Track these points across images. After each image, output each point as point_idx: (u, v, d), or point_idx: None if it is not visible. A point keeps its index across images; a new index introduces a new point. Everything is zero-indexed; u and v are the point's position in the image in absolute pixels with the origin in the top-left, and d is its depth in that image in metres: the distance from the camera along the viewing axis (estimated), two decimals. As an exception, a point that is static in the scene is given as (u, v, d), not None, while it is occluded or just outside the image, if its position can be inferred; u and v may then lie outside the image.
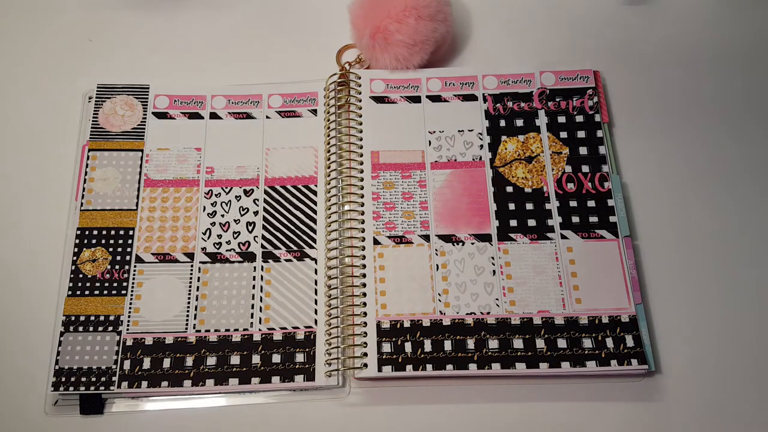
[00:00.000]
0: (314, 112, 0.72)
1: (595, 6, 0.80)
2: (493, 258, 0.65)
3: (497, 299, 0.64)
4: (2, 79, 0.76)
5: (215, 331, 0.63)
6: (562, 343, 0.62)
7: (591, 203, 0.67)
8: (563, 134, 0.70)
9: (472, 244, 0.66)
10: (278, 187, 0.69)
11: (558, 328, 0.62)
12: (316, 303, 0.65)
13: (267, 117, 0.72)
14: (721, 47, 0.77)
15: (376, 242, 0.66)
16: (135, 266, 0.65)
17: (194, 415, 0.61)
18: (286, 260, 0.66)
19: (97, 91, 0.73)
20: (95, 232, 0.66)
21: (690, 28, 0.78)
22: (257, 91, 0.73)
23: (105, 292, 0.64)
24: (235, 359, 0.62)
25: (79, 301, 0.64)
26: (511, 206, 0.67)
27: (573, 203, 0.67)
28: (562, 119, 0.71)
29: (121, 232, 0.66)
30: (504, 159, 0.69)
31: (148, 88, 0.73)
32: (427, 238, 0.66)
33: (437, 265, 0.65)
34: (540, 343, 0.62)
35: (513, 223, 0.67)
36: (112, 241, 0.66)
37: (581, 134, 0.70)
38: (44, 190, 0.70)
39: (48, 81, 0.76)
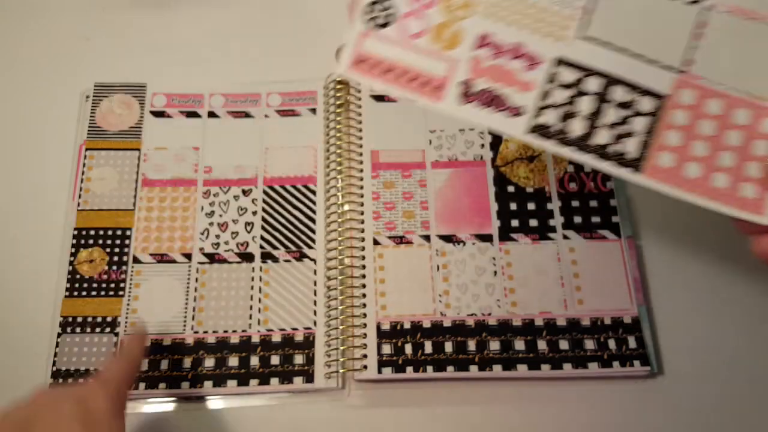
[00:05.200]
0: (313, 111, 0.72)
1: (596, 4, 0.80)
2: (494, 258, 0.65)
3: (498, 300, 0.63)
4: (0, 78, 0.76)
5: (213, 332, 0.63)
6: (564, 345, 0.61)
7: (593, 203, 0.67)
8: (565, 133, 0.70)
9: (473, 244, 0.65)
10: (277, 187, 0.68)
11: (560, 330, 0.62)
12: (315, 304, 0.64)
13: (266, 116, 0.71)
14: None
15: (376, 242, 0.65)
16: (132, 267, 0.65)
17: (192, 417, 0.61)
18: (285, 261, 0.66)
19: (94, 89, 0.72)
20: (92, 233, 0.66)
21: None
22: (256, 89, 0.73)
23: (102, 293, 0.63)
24: (233, 361, 0.62)
25: (77, 302, 0.63)
26: (513, 206, 0.67)
27: (575, 203, 0.67)
28: (564, 118, 0.71)
29: (119, 233, 0.66)
30: (505, 158, 0.69)
31: (145, 86, 0.73)
32: (427, 238, 0.66)
33: (438, 266, 0.65)
34: (542, 345, 0.61)
35: (514, 223, 0.66)
36: (109, 242, 0.65)
37: (583, 133, 0.70)
38: (42, 191, 0.69)
39: (45, 80, 0.75)
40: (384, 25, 0.48)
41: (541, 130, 0.45)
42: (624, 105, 0.45)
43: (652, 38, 0.45)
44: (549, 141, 0.45)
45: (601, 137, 0.44)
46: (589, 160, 0.44)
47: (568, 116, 0.45)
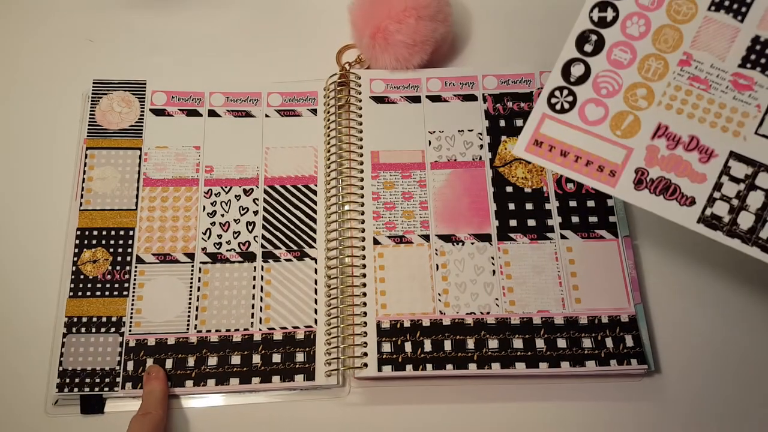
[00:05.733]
0: (314, 111, 0.72)
1: (593, 4, 0.80)
2: (492, 258, 0.65)
3: (497, 299, 0.64)
4: (2, 79, 0.76)
5: (216, 331, 0.63)
6: (561, 343, 0.62)
7: (590, 203, 0.67)
8: (563, 134, 0.70)
9: (472, 244, 0.66)
10: (278, 187, 0.69)
11: (558, 328, 0.63)
12: (316, 303, 0.65)
13: (266, 116, 0.72)
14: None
15: (376, 242, 0.66)
16: (136, 267, 0.65)
17: (196, 414, 0.62)
18: (286, 260, 0.66)
19: (93, 86, 0.72)
20: (95, 233, 0.66)
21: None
22: (256, 89, 0.73)
23: (107, 293, 0.64)
24: (235, 359, 0.62)
25: (81, 302, 0.64)
26: (511, 206, 0.67)
27: (572, 203, 0.67)
28: (562, 119, 0.71)
29: (122, 233, 0.66)
30: (504, 159, 0.69)
31: (144, 83, 0.73)
32: (427, 237, 0.66)
33: (437, 265, 0.65)
34: (540, 343, 0.62)
35: (513, 223, 0.67)
36: (112, 242, 0.66)
37: (581, 134, 0.71)
38: (45, 191, 0.70)
39: (48, 81, 0.75)
40: (564, 110, 0.51)
41: (711, 221, 0.47)
42: None
43: None
44: (717, 232, 0.47)
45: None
46: (755, 253, 0.46)
47: (737, 209, 0.47)
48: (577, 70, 0.52)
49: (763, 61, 0.48)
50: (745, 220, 0.47)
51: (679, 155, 0.48)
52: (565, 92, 0.52)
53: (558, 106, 0.52)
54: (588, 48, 0.53)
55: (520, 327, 0.63)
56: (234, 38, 0.78)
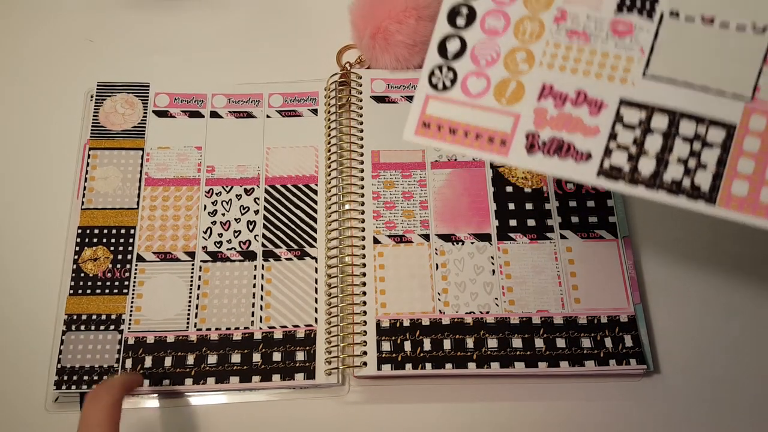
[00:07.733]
0: (315, 111, 0.72)
1: (594, 6, 0.80)
2: (492, 257, 0.66)
3: (496, 299, 0.64)
4: (3, 79, 0.76)
5: (216, 329, 0.63)
6: (560, 343, 0.62)
7: (590, 203, 0.67)
8: (563, 134, 0.70)
9: (472, 243, 0.66)
10: (279, 186, 0.69)
11: (557, 328, 0.63)
12: (316, 302, 0.65)
13: (268, 116, 0.72)
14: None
15: (376, 241, 0.66)
16: (136, 265, 0.65)
17: (195, 412, 0.62)
18: (287, 259, 0.66)
19: (97, 89, 0.73)
20: (96, 231, 0.67)
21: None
22: (258, 90, 0.74)
23: (107, 291, 0.64)
24: (235, 357, 0.62)
25: (81, 300, 0.64)
26: (511, 206, 0.67)
27: (572, 203, 0.68)
28: (562, 119, 0.71)
29: (123, 231, 0.67)
30: (504, 159, 0.69)
31: (148, 86, 0.73)
32: (427, 237, 0.66)
33: (437, 265, 0.65)
34: (539, 343, 0.62)
35: (512, 222, 0.67)
36: (113, 240, 0.66)
37: (581, 134, 0.70)
38: (46, 190, 0.70)
39: (50, 81, 0.76)
40: (447, 88, 0.49)
41: (610, 172, 0.45)
42: (693, 139, 0.45)
43: (716, 70, 0.45)
44: (619, 182, 0.45)
45: (672, 173, 0.45)
46: (662, 198, 0.44)
47: (636, 156, 0.45)
48: (453, 46, 0.50)
49: (638, 3, 0.47)
50: (646, 166, 0.45)
51: (568, 113, 0.47)
52: (445, 69, 0.50)
53: (440, 85, 0.50)
54: (460, 22, 0.50)
55: (520, 326, 0.63)
56: (235, 40, 0.78)
